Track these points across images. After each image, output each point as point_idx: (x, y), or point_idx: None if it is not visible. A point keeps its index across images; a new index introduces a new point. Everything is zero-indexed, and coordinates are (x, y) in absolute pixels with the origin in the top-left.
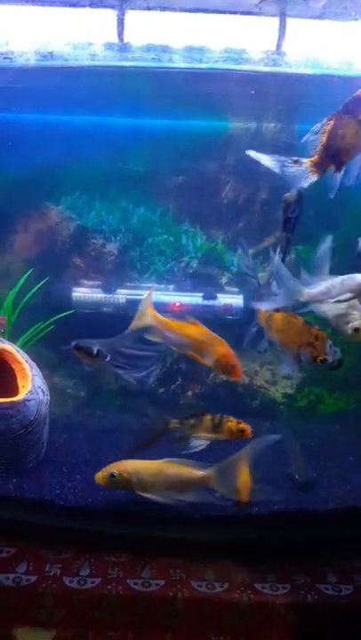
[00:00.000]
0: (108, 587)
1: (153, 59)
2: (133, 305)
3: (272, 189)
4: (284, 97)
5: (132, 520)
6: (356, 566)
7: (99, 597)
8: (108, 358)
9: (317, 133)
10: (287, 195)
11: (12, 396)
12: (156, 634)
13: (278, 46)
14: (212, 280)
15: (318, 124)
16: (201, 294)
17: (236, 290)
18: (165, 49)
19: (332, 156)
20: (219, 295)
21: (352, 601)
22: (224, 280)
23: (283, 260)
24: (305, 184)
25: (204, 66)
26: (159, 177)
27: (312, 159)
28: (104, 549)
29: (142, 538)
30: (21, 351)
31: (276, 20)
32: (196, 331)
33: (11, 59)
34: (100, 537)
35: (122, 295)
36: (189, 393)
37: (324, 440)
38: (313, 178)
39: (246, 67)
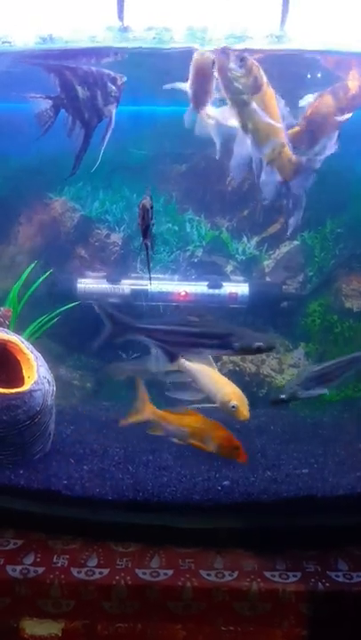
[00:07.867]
0: (117, 577)
1: (154, 39)
2: (138, 295)
3: None
4: (286, 75)
5: (140, 510)
6: None
7: (107, 588)
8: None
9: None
10: (144, 201)
11: (17, 387)
12: (166, 624)
13: (282, 22)
14: (217, 268)
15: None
16: (206, 283)
17: (241, 278)
18: (167, 30)
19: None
20: (224, 284)
21: None
22: (229, 268)
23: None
24: None
25: (207, 48)
26: (162, 164)
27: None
28: (112, 540)
29: (151, 527)
30: (26, 342)
31: None
32: (194, 419)
33: (10, 42)
34: (107, 527)
35: (126, 285)
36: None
37: (332, 428)
38: None
39: (248, 43)
